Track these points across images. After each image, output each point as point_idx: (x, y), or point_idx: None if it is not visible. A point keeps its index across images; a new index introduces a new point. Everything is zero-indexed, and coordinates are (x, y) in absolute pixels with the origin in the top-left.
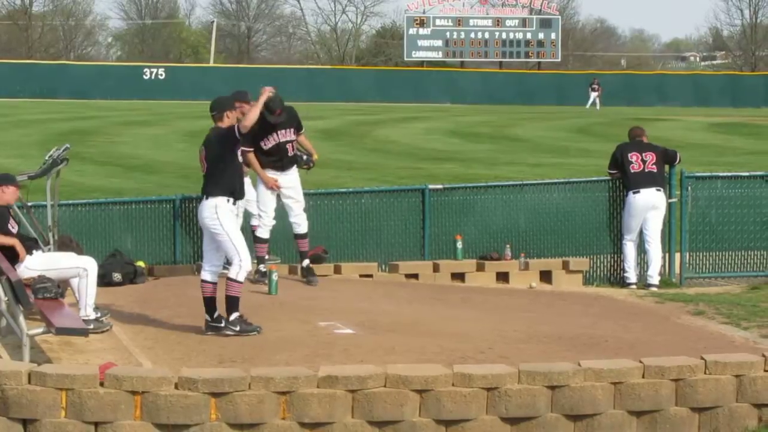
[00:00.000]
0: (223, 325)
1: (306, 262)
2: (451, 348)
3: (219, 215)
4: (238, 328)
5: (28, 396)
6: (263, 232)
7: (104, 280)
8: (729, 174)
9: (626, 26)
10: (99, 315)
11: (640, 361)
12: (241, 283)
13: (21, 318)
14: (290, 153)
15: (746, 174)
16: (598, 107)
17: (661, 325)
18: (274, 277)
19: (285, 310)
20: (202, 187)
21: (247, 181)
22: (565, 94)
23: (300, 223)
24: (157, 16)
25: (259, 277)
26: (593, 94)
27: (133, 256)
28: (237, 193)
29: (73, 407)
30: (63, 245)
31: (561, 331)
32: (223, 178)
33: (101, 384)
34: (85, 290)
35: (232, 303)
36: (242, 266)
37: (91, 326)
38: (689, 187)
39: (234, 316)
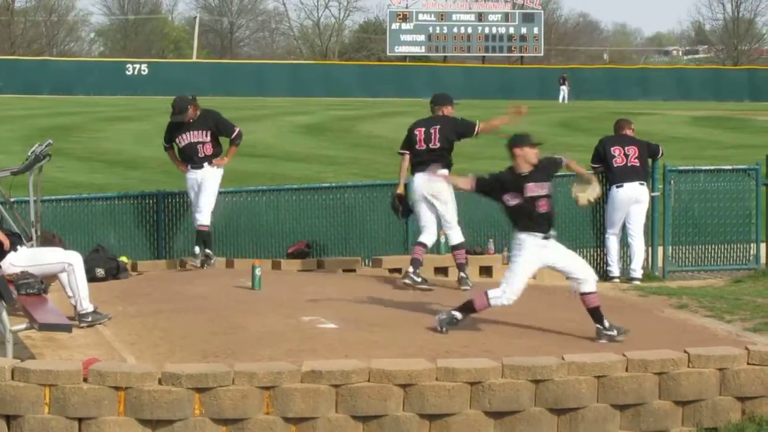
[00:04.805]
0: None
1: (207, 250)
2: (434, 342)
3: None
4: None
5: (11, 392)
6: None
7: (87, 276)
8: (712, 168)
9: (608, 20)
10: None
11: (624, 355)
12: None
13: (4, 314)
14: (200, 154)
15: (729, 168)
16: (564, 101)
17: (644, 318)
18: (257, 272)
19: (268, 305)
20: None
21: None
22: (547, 88)
23: (200, 218)
24: (140, 12)
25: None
26: (563, 88)
27: (115, 251)
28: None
29: (57, 403)
30: (46, 241)
31: (544, 325)
32: None
33: (85, 380)
34: (76, 284)
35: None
36: None
37: (90, 319)
38: (672, 181)
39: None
